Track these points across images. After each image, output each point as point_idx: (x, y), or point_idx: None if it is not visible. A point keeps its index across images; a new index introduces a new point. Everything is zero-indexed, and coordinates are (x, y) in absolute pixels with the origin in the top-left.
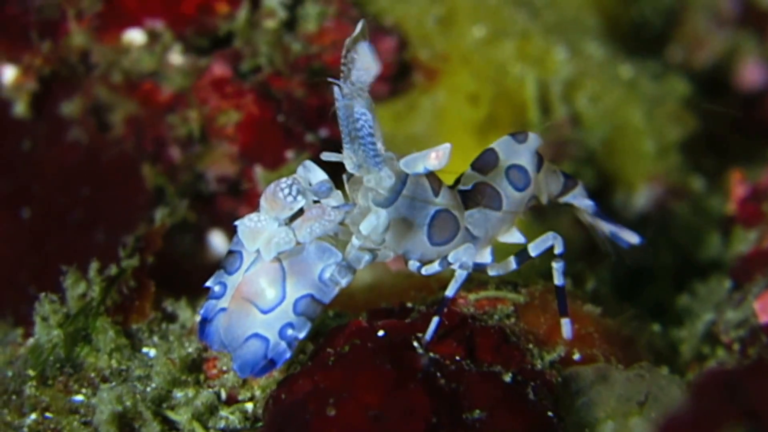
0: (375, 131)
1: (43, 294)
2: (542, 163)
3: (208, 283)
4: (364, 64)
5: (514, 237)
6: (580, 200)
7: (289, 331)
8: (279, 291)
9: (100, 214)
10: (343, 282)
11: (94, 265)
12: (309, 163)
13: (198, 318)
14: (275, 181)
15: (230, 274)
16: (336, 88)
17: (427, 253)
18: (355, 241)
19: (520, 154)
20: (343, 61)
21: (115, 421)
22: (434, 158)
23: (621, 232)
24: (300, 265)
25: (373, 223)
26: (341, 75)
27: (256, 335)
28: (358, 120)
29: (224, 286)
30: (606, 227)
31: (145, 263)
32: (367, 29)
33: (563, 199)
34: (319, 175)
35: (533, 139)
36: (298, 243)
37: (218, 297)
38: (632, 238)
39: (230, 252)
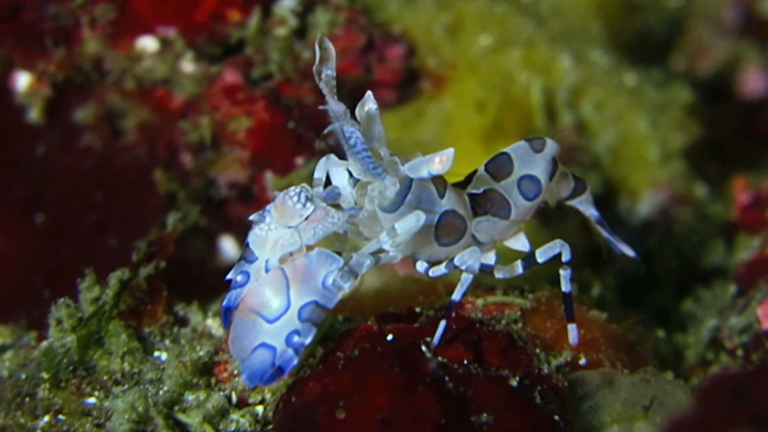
0: (378, 142)
1: (61, 300)
2: (556, 170)
3: (229, 276)
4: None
5: (520, 243)
6: (585, 206)
7: (296, 338)
8: (284, 300)
9: (113, 219)
10: (346, 287)
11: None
12: (333, 158)
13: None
14: (284, 190)
15: (251, 262)
16: (330, 107)
17: (435, 253)
18: (384, 236)
19: (535, 163)
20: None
21: (129, 426)
22: (438, 163)
23: (619, 243)
24: (303, 272)
25: (412, 225)
26: (330, 92)
27: (263, 345)
28: (349, 139)
29: (247, 275)
30: (606, 235)
31: (158, 267)
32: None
33: (570, 203)
34: (340, 173)
35: (550, 147)
36: (307, 248)
37: (242, 285)
38: (628, 251)
39: (248, 244)
